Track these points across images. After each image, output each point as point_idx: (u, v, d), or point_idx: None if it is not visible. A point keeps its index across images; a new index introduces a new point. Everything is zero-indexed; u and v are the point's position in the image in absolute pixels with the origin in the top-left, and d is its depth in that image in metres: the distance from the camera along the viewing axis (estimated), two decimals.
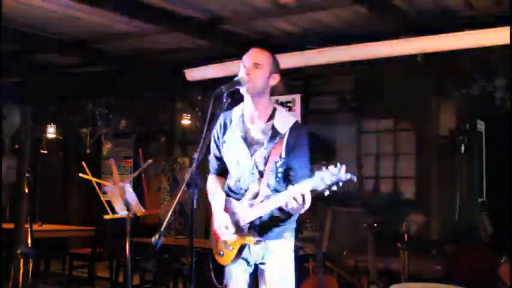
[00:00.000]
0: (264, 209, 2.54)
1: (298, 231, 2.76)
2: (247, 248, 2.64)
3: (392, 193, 6.77)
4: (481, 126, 6.84)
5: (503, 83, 5.84)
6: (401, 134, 6.74)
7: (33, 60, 7.54)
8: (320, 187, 2.27)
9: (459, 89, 6.13)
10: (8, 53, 6.61)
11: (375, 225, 4.79)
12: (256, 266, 2.71)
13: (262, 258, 2.66)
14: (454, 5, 5.16)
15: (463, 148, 6.20)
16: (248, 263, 2.70)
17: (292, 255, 2.70)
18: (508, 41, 4.78)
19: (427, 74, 6.11)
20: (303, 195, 2.34)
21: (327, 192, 2.28)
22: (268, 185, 2.61)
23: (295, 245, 2.75)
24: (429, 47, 5.47)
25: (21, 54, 7.17)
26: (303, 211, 2.46)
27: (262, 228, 2.61)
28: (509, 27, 4.75)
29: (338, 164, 2.26)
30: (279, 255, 2.66)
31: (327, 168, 2.27)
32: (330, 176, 2.24)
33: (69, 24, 5.89)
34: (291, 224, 2.71)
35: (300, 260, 5.17)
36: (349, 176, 2.26)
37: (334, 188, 2.25)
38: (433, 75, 6.19)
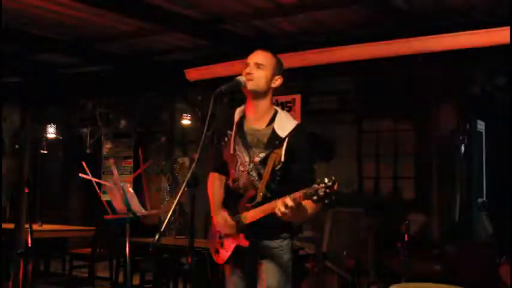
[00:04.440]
0: (258, 214, 2.54)
1: (296, 231, 2.75)
2: (243, 248, 2.64)
3: (392, 193, 6.77)
4: (481, 126, 6.84)
5: (503, 83, 5.83)
6: (401, 134, 6.74)
7: (33, 60, 7.55)
8: (314, 198, 2.26)
9: (459, 89, 6.12)
10: (8, 53, 6.62)
11: (375, 225, 4.79)
12: (252, 266, 2.70)
13: (258, 258, 2.66)
14: (454, 5, 5.17)
15: (463, 148, 6.20)
16: (245, 263, 2.70)
17: (288, 256, 2.68)
18: (508, 41, 4.78)
19: (427, 74, 6.11)
20: (297, 204, 2.33)
21: (319, 205, 2.30)
22: (266, 188, 2.60)
23: (295, 245, 2.74)
24: (429, 47, 5.47)
25: (21, 54, 7.18)
26: (301, 220, 2.46)
27: (258, 231, 2.60)
28: (509, 27, 4.75)
29: (333, 177, 2.26)
30: (275, 255, 2.65)
31: (323, 181, 2.26)
32: (325, 188, 2.25)
33: (69, 24, 5.90)
34: (288, 224, 2.69)
35: (300, 260, 5.17)
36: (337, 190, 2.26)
37: (326, 201, 2.25)
38: (433, 75, 6.19)
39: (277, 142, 2.61)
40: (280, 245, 2.67)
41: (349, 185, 6.88)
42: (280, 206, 2.36)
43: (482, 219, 6.41)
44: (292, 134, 2.63)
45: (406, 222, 4.69)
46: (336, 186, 2.24)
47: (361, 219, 5.64)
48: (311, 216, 2.55)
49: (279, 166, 2.60)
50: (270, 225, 2.62)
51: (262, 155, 2.62)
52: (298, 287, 4.93)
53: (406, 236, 4.61)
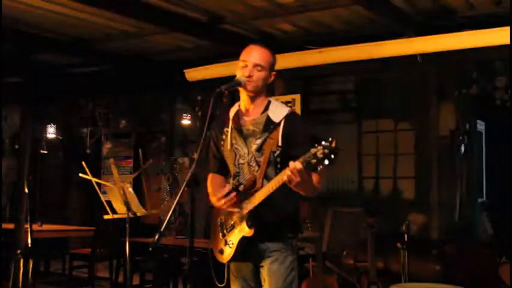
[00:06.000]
0: (261, 196, 2.51)
1: (299, 231, 2.74)
2: (246, 247, 2.63)
3: (392, 193, 6.77)
4: (481, 126, 6.84)
5: (503, 83, 5.84)
6: (401, 134, 6.74)
7: (33, 60, 7.55)
8: (312, 161, 2.28)
9: (459, 89, 6.12)
10: (8, 53, 6.61)
11: (375, 225, 4.79)
12: (256, 267, 2.70)
13: (262, 259, 2.65)
14: (454, 5, 5.17)
15: (463, 148, 6.20)
16: (249, 264, 2.69)
17: (292, 256, 2.67)
18: (508, 41, 4.78)
19: (427, 74, 6.11)
20: (299, 171, 2.33)
21: (320, 167, 2.28)
22: (266, 176, 2.58)
23: (295, 246, 2.73)
24: (429, 47, 5.47)
25: (21, 54, 7.17)
26: (310, 190, 2.48)
27: (261, 231, 2.59)
28: (509, 27, 4.75)
29: (330, 138, 2.27)
30: (278, 256, 2.64)
31: (320, 143, 2.27)
32: (322, 149, 2.25)
33: (69, 24, 5.90)
34: (292, 224, 2.69)
35: (300, 260, 5.16)
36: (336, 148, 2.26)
37: (326, 162, 2.25)
38: (433, 75, 6.19)
39: (272, 127, 2.61)
40: (284, 246, 2.66)
41: (349, 185, 6.89)
42: (284, 175, 2.36)
43: (482, 219, 6.41)
44: (287, 118, 2.63)
45: (406, 222, 4.70)
46: (334, 144, 2.24)
47: (361, 219, 5.63)
48: (319, 189, 2.56)
49: (277, 152, 2.59)
50: (274, 226, 2.61)
51: (258, 141, 2.62)
52: (298, 287, 4.92)
53: (406, 236, 4.61)
